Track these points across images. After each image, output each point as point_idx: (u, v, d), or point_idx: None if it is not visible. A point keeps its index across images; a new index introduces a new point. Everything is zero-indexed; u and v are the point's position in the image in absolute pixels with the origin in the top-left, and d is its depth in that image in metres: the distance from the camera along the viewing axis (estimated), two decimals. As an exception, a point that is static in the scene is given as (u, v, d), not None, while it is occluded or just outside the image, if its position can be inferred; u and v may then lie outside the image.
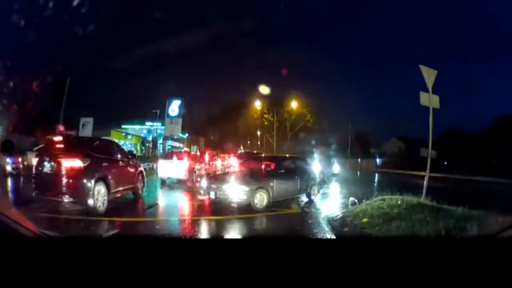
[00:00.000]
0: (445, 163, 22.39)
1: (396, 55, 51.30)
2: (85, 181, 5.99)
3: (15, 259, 1.42)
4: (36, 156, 7.13)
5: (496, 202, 7.12)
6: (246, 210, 6.89)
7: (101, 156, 6.71)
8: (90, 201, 5.96)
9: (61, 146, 6.50)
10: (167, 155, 14.64)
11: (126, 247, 1.75)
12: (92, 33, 12.90)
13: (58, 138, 7.18)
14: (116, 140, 16.91)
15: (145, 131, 30.81)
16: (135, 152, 13.73)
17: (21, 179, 10.94)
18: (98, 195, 6.12)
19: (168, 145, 29.69)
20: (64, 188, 5.88)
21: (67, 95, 19.03)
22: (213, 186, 7.48)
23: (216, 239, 3.62)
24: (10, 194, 8.04)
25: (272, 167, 8.28)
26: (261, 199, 7.21)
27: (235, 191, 7.07)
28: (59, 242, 1.84)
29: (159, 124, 28.03)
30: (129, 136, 28.21)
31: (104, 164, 6.76)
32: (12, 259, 1.41)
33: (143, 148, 28.36)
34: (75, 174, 5.94)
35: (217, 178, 8.36)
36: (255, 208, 7.05)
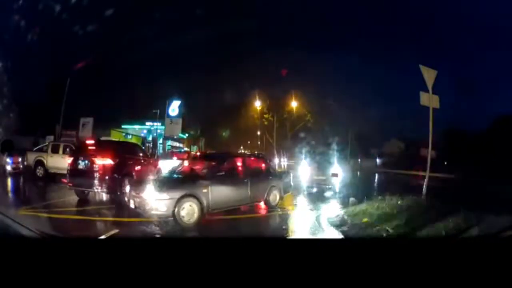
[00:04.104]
0: (445, 163, 22.39)
1: (396, 55, 51.21)
2: (114, 176, 7.21)
3: (15, 259, 1.42)
4: (70, 156, 8.41)
5: (496, 202, 7.12)
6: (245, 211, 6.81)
7: (126, 156, 8.02)
8: (118, 191, 7.09)
9: (94, 148, 7.62)
10: (167, 155, 14.73)
11: (125, 247, 1.75)
12: (93, 33, 12.93)
13: (90, 141, 8.23)
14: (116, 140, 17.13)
15: (145, 131, 30.78)
16: None
17: (21, 179, 10.94)
18: (124, 187, 7.12)
19: (168, 145, 29.66)
20: (97, 181, 7.06)
21: (67, 95, 19.05)
22: (133, 193, 5.96)
23: (210, 239, 3.61)
24: (10, 194, 8.08)
25: (210, 168, 6.49)
26: (190, 210, 5.55)
27: (153, 201, 5.44)
28: (59, 242, 1.84)
29: (159, 124, 28.02)
30: (129, 136, 28.16)
31: (129, 162, 8.06)
32: (12, 259, 1.41)
33: (143, 148, 28.31)
34: (107, 170, 7.17)
35: (139, 183, 6.47)
36: (181, 223, 5.42)
